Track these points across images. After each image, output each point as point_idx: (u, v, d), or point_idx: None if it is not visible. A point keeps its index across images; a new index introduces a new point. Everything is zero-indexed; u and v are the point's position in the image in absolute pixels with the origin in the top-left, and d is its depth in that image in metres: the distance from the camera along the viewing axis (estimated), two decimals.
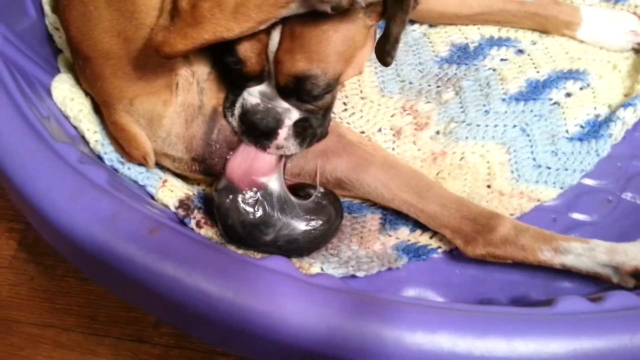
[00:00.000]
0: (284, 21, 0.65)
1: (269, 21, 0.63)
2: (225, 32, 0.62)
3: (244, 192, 0.75)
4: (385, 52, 0.71)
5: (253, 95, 0.73)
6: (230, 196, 0.75)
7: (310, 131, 0.76)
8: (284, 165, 0.81)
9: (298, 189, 0.81)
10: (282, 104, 0.73)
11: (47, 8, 0.96)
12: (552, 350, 0.55)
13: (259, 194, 0.76)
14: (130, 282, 0.59)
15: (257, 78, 0.72)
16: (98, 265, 0.62)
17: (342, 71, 0.71)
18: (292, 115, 0.74)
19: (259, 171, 0.76)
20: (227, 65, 0.70)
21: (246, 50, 0.68)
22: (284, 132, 0.75)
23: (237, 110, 0.75)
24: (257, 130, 0.74)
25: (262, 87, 0.73)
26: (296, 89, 0.71)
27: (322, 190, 0.81)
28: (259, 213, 0.76)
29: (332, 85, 0.72)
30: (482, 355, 0.54)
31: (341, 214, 0.83)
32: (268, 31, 0.66)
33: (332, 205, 0.81)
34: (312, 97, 0.72)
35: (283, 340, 0.56)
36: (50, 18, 0.95)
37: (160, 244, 0.59)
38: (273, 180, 0.77)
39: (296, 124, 0.75)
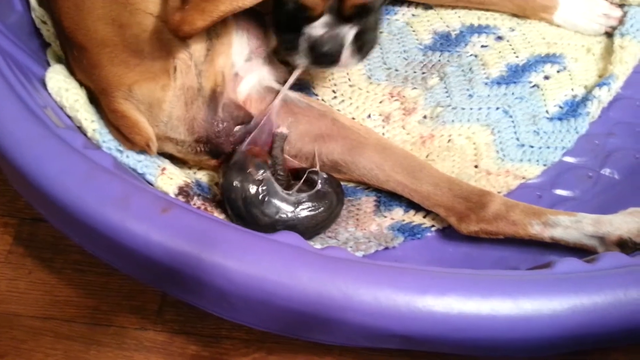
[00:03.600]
0: None
1: None
2: (241, 1, 0.63)
3: (252, 171, 0.77)
4: None
5: (317, 27, 0.76)
6: (239, 172, 0.77)
7: (366, 45, 0.81)
8: (282, 150, 0.83)
9: (300, 173, 0.83)
10: (344, 28, 0.77)
11: (33, 1, 0.94)
12: (554, 306, 0.58)
13: (266, 175, 0.78)
14: (146, 260, 0.60)
15: (319, 16, 0.75)
16: (112, 246, 0.62)
17: None
18: (351, 33, 0.78)
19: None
20: (288, 12, 0.74)
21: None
22: (347, 52, 0.79)
23: (302, 46, 0.78)
24: (326, 58, 0.78)
25: (324, 19, 0.75)
26: (359, 13, 0.75)
27: (324, 176, 0.82)
28: (262, 195, 0.77)
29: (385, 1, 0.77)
30: (489, 314, 0.57)
31: (342, 199, 0.85)
32: None
33: (333, 191, 0.82)
34: (373, 12, 0.77)
35: (300, 309, 0.58)
36: (37, 12, 0.94)
37: (175, 221, 0.60)
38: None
39: (354, 40, 0.79)
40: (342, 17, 0.75)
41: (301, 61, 0.80)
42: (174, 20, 0.64)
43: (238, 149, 0.79)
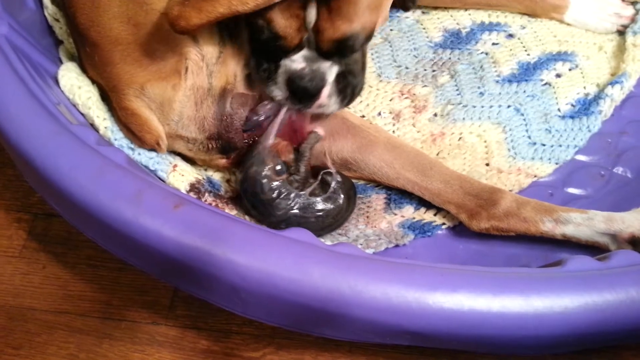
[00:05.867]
0: None
1: None
2: (240, 6, 0.63)
3: (270, 169, 0.77)
4: None
5: (296, 61, 0.74)
6: (259, 167, 0.77)
7: (350, 88, 0.78)
8: (311, 149, 0.83)
9: (315, 172, 0.83)
10: (325, 64, 0.75)
11: (46, 0, 0.96)
12: (564, 304, 0.58)
13: (283, 177, 0.78)
14: (158, 255, 0.61)
15: (296, 48, 0.73)
16: (125, 241, 0.63)
17: (376, 22, 0.73)
18: (333, 71, 0.76)
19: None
20: (264, 42, 0.72)
21: (285, 28, 0.70)
22: (326, 90, 0.76)
23: (280, 78, 0.75)
24: (306, 93, 0.75)
25: (303, 52, 0.74)
26: (338, 50, 0.73)
27: (339, 179, 0.82)
28: (272, 195, 0.78)
29: (369, 37, 0.74)
30: (500, 311, 0.57)
31: (353, 205, 0.85)
32: (303, 6, 0.68)
33: (345, 195, 0.82)
34: (353, 52, 0.74)
35: (311, 305, 0.58)
36: (50, 9, 0.95)
37: (187, 217, 0.61)
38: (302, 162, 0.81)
39: (337, 80, 0.76)
40: (321, 52, 0.74)
41: (278, 94, 0.77)
42: (172, 13, 0.65)
43: (263, 142, 0.79)
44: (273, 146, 0.79)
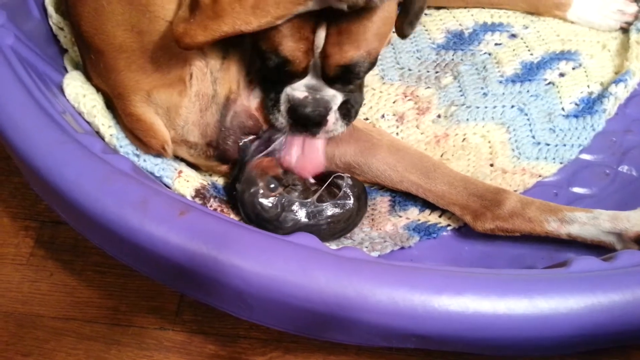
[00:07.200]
0: (328, 17, 0.68)
1: (285, 17, 0.66)
2: (243, 26, 0.65)
3: (263, 187, 0.78)
4: (407, 24, 0.74)
5: (299, 89, 0.76)
6: (249, 188, 0.78)
7: (353, 109, 0.79)
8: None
9: (326, 176, 0.83)
10: (329, 92, 0.76)
11: (50, 9, 0.96)
12: (570, 305, 0.58)
13: (279, 191, 0.78)
14: (165, 262, 0.61)
15: (301, 74, 0.74)
16: (131, 249, 0.63)
17: (381, 48, 0.74)
18: (338, 100, 0.77)
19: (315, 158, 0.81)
20: (270, 68, 0.73)
21: (293, 51, 0.71)
22: (332, 117, 0.78)
23: (283, 107, 0.77)
24: (309, 122, 0.77)
25: (306, 80, 0.75)
26: (343, 76, 0.74)
27: (350, 182, 0.82)
28: (277, 210, 0.78)
29: (373, 64, 0.75)
30: (505, 313, 0.57)
31: (364, 209, 0.85)
32: (313, 30, 0.69)
33: (355, 199, 0.82)
34: (357, 79, 0.76)
35: (317, 310, 0.58)
36: (54, 18, 0.96)
37: (192, 224, 0.61)
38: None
39: (341, 106, 0.78)
40: (326, 78, 0.74)
41: (282, 122, 0.78)
42: (177, 30, 0.66)
43: (248, 164, 0.79)
44: (256, 166, 0.80)
